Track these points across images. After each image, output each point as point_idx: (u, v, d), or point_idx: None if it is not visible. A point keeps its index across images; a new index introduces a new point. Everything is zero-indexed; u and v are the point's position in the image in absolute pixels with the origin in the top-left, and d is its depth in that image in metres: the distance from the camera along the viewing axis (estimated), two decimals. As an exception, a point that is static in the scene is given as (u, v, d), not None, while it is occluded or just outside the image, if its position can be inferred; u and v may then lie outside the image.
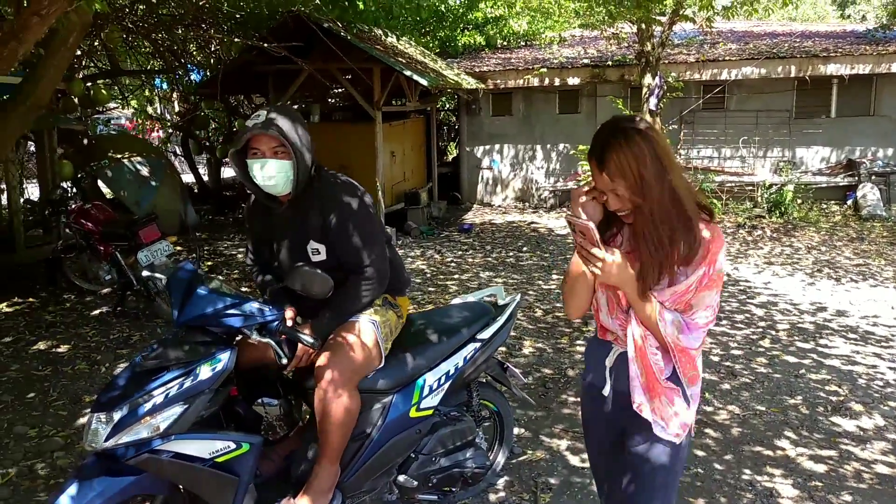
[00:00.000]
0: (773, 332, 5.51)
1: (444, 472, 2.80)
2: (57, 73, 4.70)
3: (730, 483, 3.33)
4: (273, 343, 2.40)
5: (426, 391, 2.73)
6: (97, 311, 6.01)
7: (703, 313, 1.86)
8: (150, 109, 13.79)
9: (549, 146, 11.94)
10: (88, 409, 2.57)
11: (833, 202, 10.62)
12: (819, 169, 10.88)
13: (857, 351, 5.11)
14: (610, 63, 11.06)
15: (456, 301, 3.25)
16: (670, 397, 1.89)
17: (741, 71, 10.52)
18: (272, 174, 2.51)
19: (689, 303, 1.85)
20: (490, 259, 8.13)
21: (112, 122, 15.14)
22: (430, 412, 2.75)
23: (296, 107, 10.29)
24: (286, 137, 2.48)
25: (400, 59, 9.09)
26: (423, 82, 8.57)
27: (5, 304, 6.20)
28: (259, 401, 2.56)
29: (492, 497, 3.19)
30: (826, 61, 10.24)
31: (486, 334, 2.93)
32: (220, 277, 5.65)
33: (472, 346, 2.87)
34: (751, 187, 10.69)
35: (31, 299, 6.35)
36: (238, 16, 8.35)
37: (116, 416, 2.17)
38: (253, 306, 2.39)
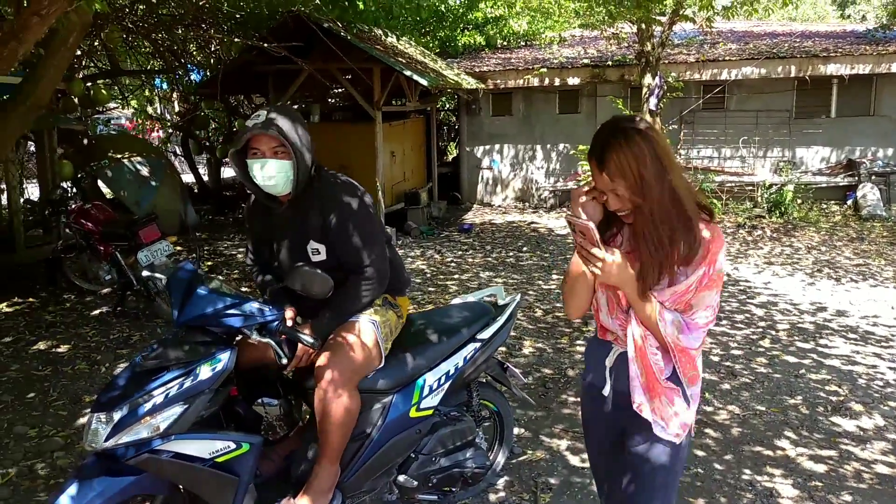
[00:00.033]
0: (773, 332, 5.51)
1: (444, 472, 2.80)
2: (57, 73, 4.70)
3: (730, 483, 3.33)
4: (273, 343, 2.40)
5: (426, 391, 2.73)
6: (97, 311, 6.01)
7: (703, 313, 1.86)
8: (150, 109, 13.79)
9: (549, 146, 11.95)
10: (88, 409, 2.57)
11: (833, 202, 10.62)
12: (819, 169, 10.88)
13: (857, 351, 5.11)
14: (610, 63, 11.06)
15: (456, 301, 3.25)
16: (670, 397, 1.89)
17: (741, 71, 10.52)
18: (272, 174, 2.51)
19: (689, 303, 1.85)
20: (490, 259, 8.13)
21: (112, 121, 15.14)
22: (430, 412, 2.75)
23: (296, 107, 10.29)
24: (286, 137, 2.48)
25: (400, 59, 9.09)
26: (423, 82, 8.57)
27: (5, 304, 6.20)
28: (259, 401, 2.56)
29: (492, 497, 3.19)
30: (826, 61, 10.24)
31: (486, 334, 2.93)
32: (220, 277, 5.65)
33: (472, 346, 2.87)
34: (751, 187, 10.69)
35: (31, 299, 6.35)
36: (238, 16, 8.35)
37: (116, 416, 2.17)
38: (253, 306, 2.39)
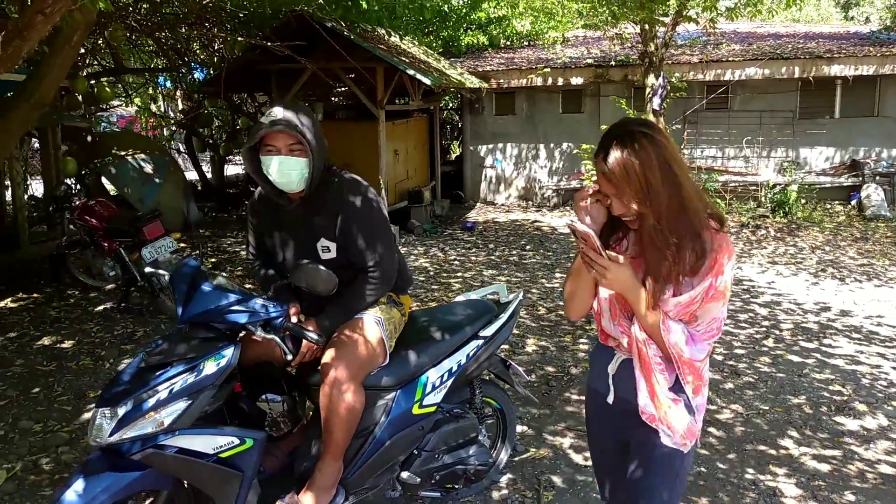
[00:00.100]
0: (777, 332, 5.50)
1: (447, 469, 2.81)
2: (61, 70, 4.71)
3: (733, 482, 3.33)
4: (278, 339, 2.40)
5: (429, 388, 2.73)
6: (101, 307, 6.03)
7: (708, 325, 1.81)
8: (153, 107, 13.81)
9: (552, 145, 11.94)
10: (93, 405, 2.58)
11: (837, 202, 10.61)
12: (823, 169, 10.87)
13: (861, 351, 5.10)
14: (613, 63, 11.05)
15: (459, 299, 3.26)
16: (674, 405, 1.84)
17: (745, 71, 10.50)
18: (288, 171, 2.51)
19: (695, 314, 1.79)
20: (493, 257, 8.13)
21: (115, 119, 15.17)
22: (433, 409, 2.76)
23: (299, 105, 10.28)
24: (303, 135, 2.48)
25: (403, 58, 9.10)
26: (427, 81, 8.57)
27: (10, 299, 6.22)
28: (263, 397, 2.56)
29: (495, 494, 3.19)
30: (830, 62, 10.22)
31: (488, 331, 2.93)
32: (224, 274, 5.66)
33: (474, 344, 2.88)
34: (754, 187, 10.67)
35: (35, 295, 6.37)
36: (241, 15, 8.36)
37: (121, 411, 2.18)
38: (257, 303, 2.39)
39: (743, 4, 9.53)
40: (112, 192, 8.82)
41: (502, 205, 12.16)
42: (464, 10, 13.66)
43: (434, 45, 12.95)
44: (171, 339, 2.37)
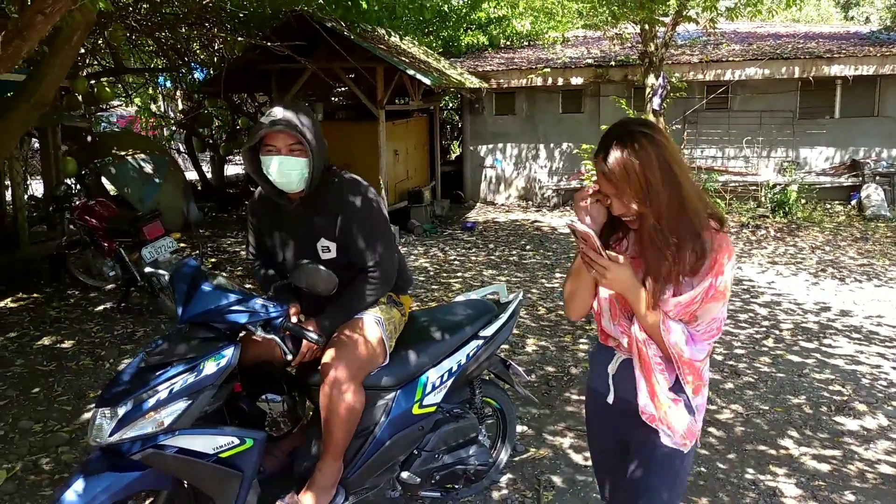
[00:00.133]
0: (777, 332, 5.50)
1: (447, 469, 2.81)
2: (61, 70, 4.71)
3: (733, 482, 3.33)
4: (278, 339, 2.40)
5: (429, 388, 2.73)
6: (101, 307, 6.03)
7: (708, 325, 1.81)
8: (153, 107, 13.82)
9: (552, 145, 11.94)
10: (93, 405, 2.58)
11: (837, 202, 10.61)
12: (823, 169, 10.87)
13: (861, 351, 5.10)
14: (613, 63, 11.06)
15: (459, 299, 3.26)
16: (674, 405, 1.84)
17: (745, 72, 10.50)
18: (288, 171, 2.51)
19: (695, 314, 1.79)
20: (493, 257, 8.13)
21: (115, 119, 15.17)
22: (433, 409, 2.76)
23: (299, 105, 10.28)
24: (303, 135, 2.48)
25: (403, 58, 9.10)
26: (427, 81, 8.58)
27: (10, 299, 6.22)
28: (263, 397, 2.56)
29: (495, 494, 3.19)
30: (830, 62, 10.22)
31: (488, 331, 2.93)
32: (224, 274, 5.66)
33: (474, 344, 2.88)
34: (754, 187, 10.67)
35: (35, 295, 6.37)
36: (241, 15, 8.36)
37: (121, 411, 2.18)
38: (257, 303, 2.39)
39: (743, 4, 9.53)
40: (112, 192, 8.82)
41: (502, 205, 12.16)
42: (464, 10, 13.66)
43: (434, 45, 12.95)
44: (171, 339, 2.37)
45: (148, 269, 5.53)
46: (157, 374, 2.24)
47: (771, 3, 9.84)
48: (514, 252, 8.42)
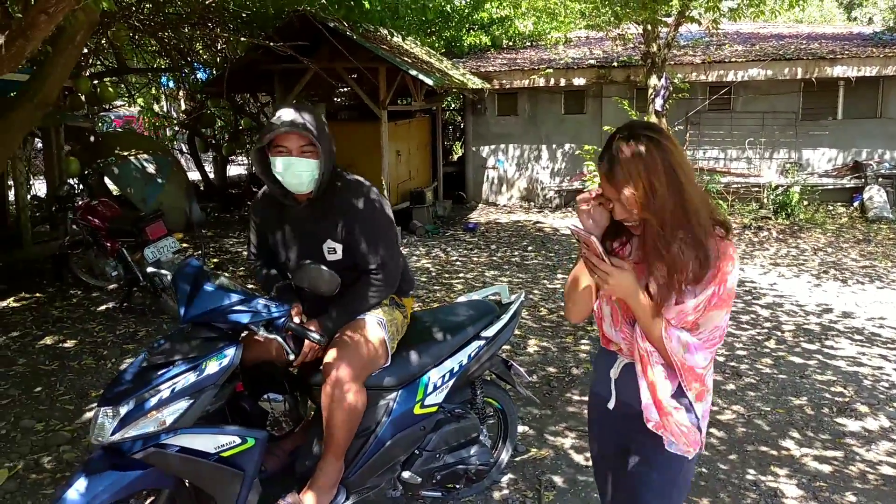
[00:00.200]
0: (779, 333, 5.50)
1: (448, 469, 2.81)
2: (64, 70, 4.72)
3: (734, 483, 3.33)
4: (280, 339, 2.41)
5: (430, 388, 2.74)
6: (103, 307, 6.04)
7: (710, 333, 1.78)
8: (156, 107, 13.84)
9: (554, 146, 11.94)
10: (95, 404, 2.58)
11: (839, 204, 10.59)
12: (825, 171, 10.85)
13: (863, 352, 5.09)
14: (616, 64, 11.05)
15: (461, 299, 3.26)
16: (678, 412, 1.82)
17: (747, 72, 10.49)
18: (299, 173, 2.51)
19: (697, 321, 1.76)
20: (495, 258, 8.13)
21: (112, 119, 15.19)
22: (435, 409, 2.76)
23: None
24: (316, 137, 2.48)
25: (405, 58, 9.11)
26: (429, 82, 8.58)
27: (12, 299, 6.24)
28: (265, 396, 2.57)
29: (496, 494, 3.19)
30: (833, 63, 10.21)
31: (490, 332, 2.93)
32: (226, 274, 5.67)
33: (476, 344, 2.88)
34: (757, 188, 10.66)
35: (38, 294, 6.38)
36: (244, 15, 8.38)
37: (123, 410, 2.18)
38: (260, 302, 2.40)
39: (746, 5, 9.52)
40: (115, 192, 8.84)
41: (504, 206, 12.16)
42: (466, 11, 13.67)
43: (436, 45, 12.96)
44: (173, 339, 2.38)
45: (150, 269, 5.52)
46: (160, 373, 2.25)
47: (774, 3, 9.84)
48: (516, 253, 8.42)
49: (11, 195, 8.56)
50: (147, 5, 7.57)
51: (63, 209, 6.53)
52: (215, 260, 7.80)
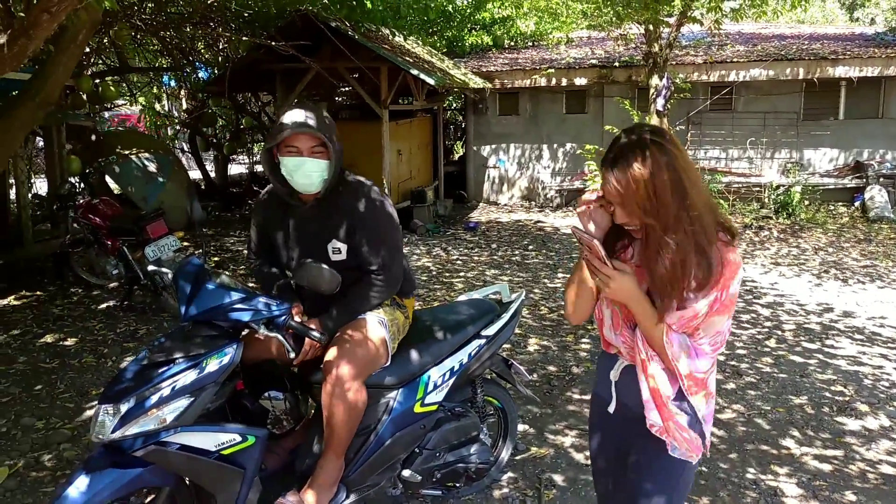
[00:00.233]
0: (780, 333, 5.50)
1: (448, 468, 2.81)
2: (66, 69, 4.72)
3: (734, 481, 3.33)
4: (281, 337, 2.41)
5: (431, 387, 2.74)
6: (104, 305, 6.05)
7: (711, 339, 1.76)
8: (157, 106, 13.85)
9: (555, 146, 11.94)
10: (95, 402, 2.58)
11: (840, 204, 10.59)
12: (827, 171, 10.85)
13: (864, 352, 5.09)
14: (617, 64, 11.05)
15: (461, 298, 3.26)
16: (680, 417, 1.80)
17: (749, 73, 10.49)
18: (310, 173, 2.52)
19: (698, 327, 1.74)
20: (496, 257, 8.13)
21: (108, 117, 15.20)
22: (435, 408, 2.76)
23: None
24: (327, 138, 2.49)
25: (407, 58, 9.11)
26: (430, 81, 8.58)
27: (13, 297, 6.24)
28: (265, 395, 2.58)
29: (496, 493, 3.19)
30: (834, 63, 10.21)
31: (490, 331, 2.94)
32: (227, 273, 5.67)
33: (476, 343, 2.88)
34: (758, 188, 10.66)
35: (38, 293, 6.39)
36: (246, 14, 8.37)
37: (123, 407, 2.18)
38: (260, 301, 2.40)
39: (748, 5, 9.52)
40: (116, 191, 8.85)
41: (505, 205, 12.16)
42: (468, 11, 13.67)
43: (438, 45, 12.96)
44: (173, 337, 2.38)
45: (151, 268, 5.54)
46: (160, 371, 2.25)
47: (776, 4, 9.83)
48: (517, 252, 8.42)
49: (13, 194, 8.56)
50: (149, 5, 7.58)
51: (64, 208, 6.54)
52: (216, 258, 7.80)
